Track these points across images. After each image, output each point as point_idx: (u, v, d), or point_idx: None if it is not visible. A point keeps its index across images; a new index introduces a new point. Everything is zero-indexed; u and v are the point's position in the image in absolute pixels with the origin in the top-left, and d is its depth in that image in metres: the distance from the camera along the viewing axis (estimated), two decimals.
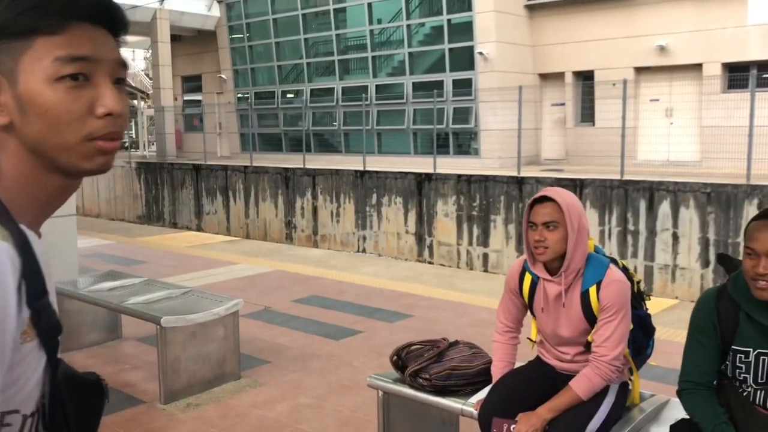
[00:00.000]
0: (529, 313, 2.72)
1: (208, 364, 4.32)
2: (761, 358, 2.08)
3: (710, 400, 2.17)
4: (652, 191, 12.06)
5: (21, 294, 0.80)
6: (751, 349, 2.10)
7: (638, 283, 2.71)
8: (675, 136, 15.67)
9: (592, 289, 2.47)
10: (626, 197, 12.32)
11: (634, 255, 12.30)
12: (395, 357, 3.01)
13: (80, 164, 0.88)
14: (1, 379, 0.77)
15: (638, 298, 2.69)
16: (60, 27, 0.85)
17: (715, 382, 2.23)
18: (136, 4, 20.69)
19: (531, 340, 2.77)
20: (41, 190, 0.89)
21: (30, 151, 0.87)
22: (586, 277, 2.50)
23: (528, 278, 2.62)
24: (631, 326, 2.60)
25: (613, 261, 2.60)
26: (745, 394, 2.14)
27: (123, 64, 0.92)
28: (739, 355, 2.12)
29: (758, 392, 2.12)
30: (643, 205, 12.19)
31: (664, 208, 11.97)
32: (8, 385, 0.80)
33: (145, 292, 4.71)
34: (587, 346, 2.53)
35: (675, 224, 11.86)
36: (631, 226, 12.31)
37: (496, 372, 2.71)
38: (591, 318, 2.49)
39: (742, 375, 2.13)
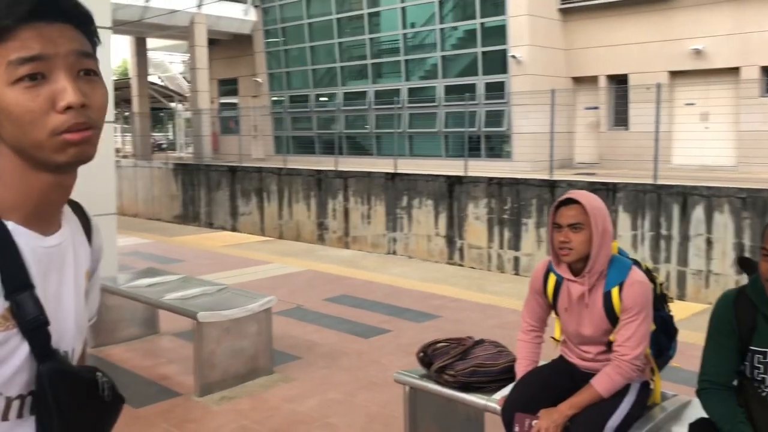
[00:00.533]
0: (553, 312, 2.79)
1: (242, 358, 4.46)
2: None
3: (729, 400, 2.22)
4: (686, 196, 11.94)
5: None
6: None
7: (661, 285, 2.77)
8: (710, 140, 15.47)
9: (615, 290, 2.53)
10: (659, 202, 12.22)
11: (667, 260, 12.19)
12: (422, 354, 3.11)
13: (55, 158, 0.91)
14: None
15: (661, 300, 2.74)
16: (7, 33, 0.88)
17: (735, 383, 2.28)
18: (174, 9, 21.12)
19: (555, 339, 2.84)
20: (31, 187, 0.94)
21: (16, 152, 0.92)
22: (609, 278, 2.56)
23: (552, 279, 2.70)
24: (654, 327, 2.66)
25: (636, 263, 2.66)
26: (764, 394, 2.19)
27: (85, 54, 0.93)
28: (757, 355, 2.17)
29: None
30: (676, 210, 12.08)
31: (698, 213, 11.85)
32: None
33: (182, 289, 4.87)
34: (609, 346, 2.59)
35: (709, 229, 11.73)
36: (664, 231, 12.20)
37: (520, 369, 2.79)
38: (613, 318, 2.56)
39: (761, 375, 2.18)
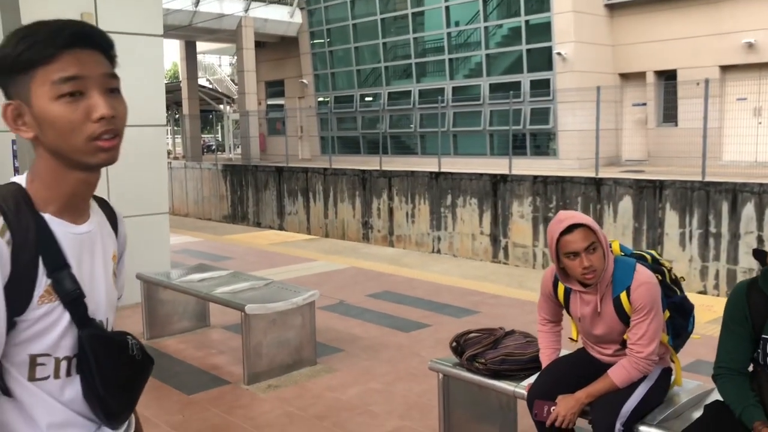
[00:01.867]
0: (566, 313, 2.90)
1: (287, 349, 4.69)
2: None
3: (742, 385, 2.31)
4: (736, 193, 11.76)
5: (38, 265, 1.10)
6: None
7: (670, 270, 2.83)
8: (763, 136, 15.12)
9: (623, 294, 2.61)
10: (708, 199, 12.06)
11: (716, 258, 12.02)
12: (454, 343, 3.26)
13: (87, 160, 1.13)
14: (1, 336, 1.06)
15: (672, 286, 2.80)
16: (51, 57, 1.10)
17: (750, 369, 2.37)
18: (222, 13, 21.65)
19: (572, 339, 2.94)
20: (65, 184, 1.16)
21: (53, 154, 1.14)
22: (615, 283, 2.64)
23: (561, 287, 2.79)
24: (668, 314, 2.74)
25: (640, 258, 2.74)
26: None
27: (112, 75, 1.16)
28: None
29: None
30: (725, 207, 11.90)
31: (748, 210, 11.65)
32: (33, 335, 1.11)
33: (231, 283, 5.12)
34: (625, 343, 2.69)
35: (760, 227, 11.53)
36: (713, 229, 12.04)
37: (544, 358, 2.92)
38: (625, 319, 2.64)
39: None
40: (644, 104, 17.40)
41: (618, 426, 2.49)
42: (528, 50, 17.61)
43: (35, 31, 1.11)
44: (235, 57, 26.46)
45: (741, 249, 11.76)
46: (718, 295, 11.58)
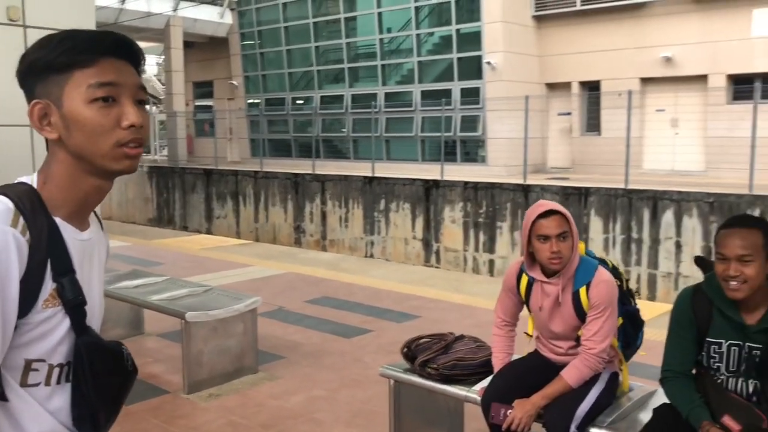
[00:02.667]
0: (526, 309, 2.98)
1: (228, 357, 4.59)
2: (732, 348, 2.34)
3: (688, 387, 2.42)
4: (656, 200, 12.29)
5: (46, 269, 1.10)
6: (723, 341, 2.35)
7: (627, 281, 2.97)
8: (680, 146, 15.89)
9: (582, 290, 2.73)
10: (630, 206, 12.55)
11: (638, 263, 12.52)
12: (405, 349, 3.28)
13: (111, 166, 1.15)
14: (8, 333, 1.05)
15: (627, 295, 2.94)
16: (91, 61, 1.13)
17: (693, 371, 2.48)
18: (151, 12, 21.09)
19: (527, 334, 3.03)
20: (80, 190, 1.16)
21: (74, 157, 1.14)
22: (576, 278, 2.75)
23: (525, 279, 2.88)
24: (621, 321, 2.86)
25: (602, 262, 2.86)
26: (719, 381, 2.39)
27: (142, 88, 1.19)
28: (713, 346, 2.38)
29: (730, 379, 2.37)
30: (647, 214, 12.41)
31: (668, 217, 12.19)
32: (33, 339, 1.10)
33: (168, 290, 4.98)
34: (579, 340, 2.79)
35: (678, 233, 12.08)
36: (635, 235, 12.53)
37: (497, 362, 2.97)
38: (582, 315, 2.75)
39: (716, 364, 2.39)
40: (569, 113, 17.97)
41: (572, 428, 2.56)
42: (459, 59, 17.91)
43: (75, 36, 1.14)
44: (163, 56, 25.81)
45: (661, 254, 12.30)
46: (639, 298, 12.07)
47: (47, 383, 1.13)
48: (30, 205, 1.10)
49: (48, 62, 1.12)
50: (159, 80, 35.70)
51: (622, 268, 2.97)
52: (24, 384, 1.10)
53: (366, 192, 15.96)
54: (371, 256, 15.73)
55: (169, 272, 7.07)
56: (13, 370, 1.09)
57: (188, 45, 23.82)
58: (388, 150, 19.39)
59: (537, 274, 2.81)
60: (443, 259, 14.74)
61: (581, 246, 2.82)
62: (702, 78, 15.71)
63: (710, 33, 15.51)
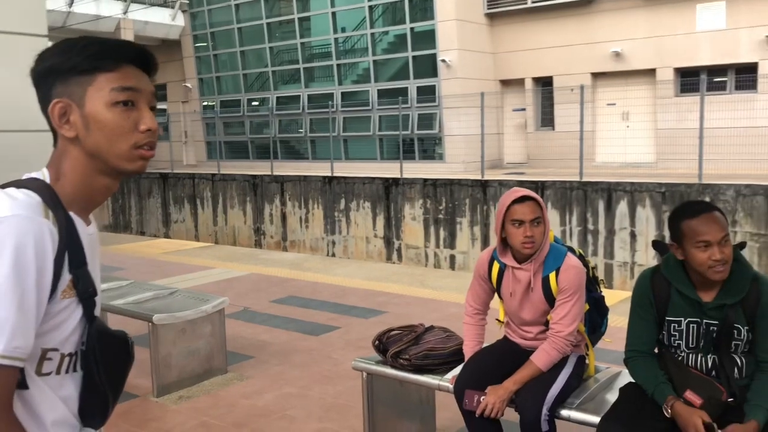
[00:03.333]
0: (497, 296, 3.06)
1: (197, 359, 4.58)
2: (691, 325, 2.45)
3: (651, 365, 2.53)
4: (610, 192, 12.59)
5: (64, 261, 1.15)
6: (683, 319, 2.46)
7: (593, 269, 3.08)
8: (631, 138, 16.26)
9: (552, 275, 2.83)
10: (586, 198, 12.83)
11: (594, 253, 12.80)
12: (377, 342, 3.33)
13: (126, 166, 1.22)
14: (36, 319, 1.10)
15: (593, 282, 3.05)
16: (115, 66, 1.20)
17: (655, 350, 2.59)
18: (100, 15, 20.70)
19: (499, 321, 3.11)
20: (90, 187, 1.22)
21: (89, 156, 1.20)
22: (546, 264, 2.85)
23: (496, 266, 2.97)
24: (587, 307, 2.97)
25: (570, 249, 2.96)
26: (680, 358, 2.51)
27: (155, 95, 1.27)
28: (672, 324, 2.49)
29: (690, 355, 2.49)
30: (601, 206, 12.71)
31: (622, 207, 12.51)
32: (50, 329, 1.15)
33: (133, 294, 4.94)
34: (547, 325, 2.88)
35: (632, 223, 12.40)
36: (590, 226, 12.82)
37: (468, 350, 3.05)
38: (551, 300, 2.85)
39: (677, 342, 2.50)
40: (524, 109, 18.25)
41: (544, 411, 2.65)
42: (414, 57, 18.02)
43: (102, 42, 1.22)
44: None
45: (616, 244, 12.61)
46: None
47: (58, 372, 1.17)
48: (51, 199, 1.16)
49: (74, 64, 1.18)
50: None
51: (580, 251, 3.08)
52: (39, 373, 1.15)
53: (326, 192, 15.97)
54: (333, 255, 15.74)
55: (131, 277, 6.98)
56: (31, 359, 1.13)
57: None
58: (346, 149, 19.41)
59: (509, 260, 2.89)
60: (405, 257, 14.84)
61: (551, 234, 2.91)
62: (650, 72, 16.13)
63: (657, 28, 15.94)
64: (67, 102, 1.19)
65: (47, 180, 1.20)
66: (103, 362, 1.21)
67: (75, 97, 1.19)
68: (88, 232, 1.23)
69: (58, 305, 1.14)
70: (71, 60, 1.18)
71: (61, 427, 1.18)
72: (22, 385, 1.12)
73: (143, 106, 1.23)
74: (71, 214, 1.19)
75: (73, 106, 1.19)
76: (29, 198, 1.13)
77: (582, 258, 2.97)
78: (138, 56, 1.24)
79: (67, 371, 1.19)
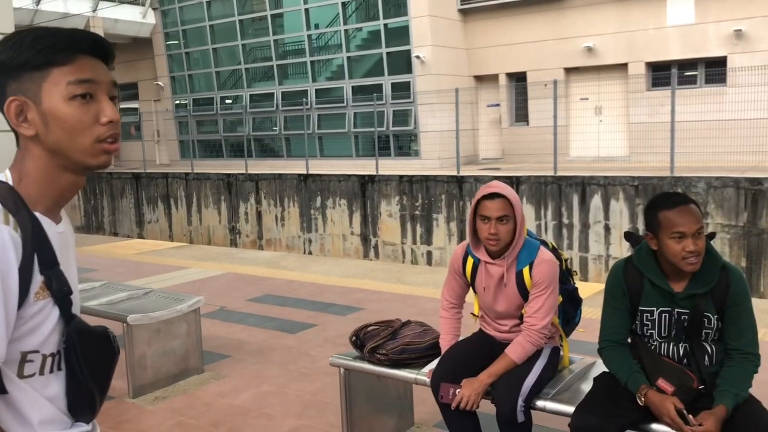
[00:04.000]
0: (471, 291, 3.08)
1: (173, 359, 4.54)
2: (663, 315, 2.49)
3: (625, 355, 2.56)
4: (584, 186, 12.71)
5: (33, 263, 1.13)
6: (655, 308, 2.50)
7: (566, 261, 3.10)
8: (604, 132, 16.43)
9: (526, 269, 2.85)
10: (560, 192, 12.94)
11: (570, 247, 12.91)
12: (354, 337, 3.33)
13: (89, 161, 1.18)
14: (5, 324, 1.08)
15: (567, 274, 3.08)
16: (69, 59, 1.16)
17: (628, 340, 2.62)
18: (68, 13, 20.40)
19: (474, 315, 3.13)
20: (55, 185, 1.19)
21: (51, 154, 1.16)
22: (520, 258, 2.87)
23: (470, 261, 2.98)
24: (561, 299, 2.99)
25: (543, 243, 2.98)
26: (652, 347, 2.54)
27: (115, 84, 1.23)
28: (645, 314, 2.53)
29: (662, 344, 2.53)
30: (576, 200, 12.82)
31: (596, 201, 12.63)
32: (27, 332, 1.13)
33: (106, 294, 4.88)
34: (521, 318, 2.90)
35: (606, 216, 12.53)
36: (565, 220, 12.93)
37: (444, 344, 3.06)
38: (525, 294, 2.87)
39: (649, 331, 2.54)
40: (498, 105, 18.34)
41: (520, 402, 2.67)
42: (388, 53, 18.02)
43: (54, 34, 1.16)
44: None
45: (591, 237, 12.73)
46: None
47: (41, 373, 1.16)
48: (13, 203, 1.12)
49: (25, 60, 1.14)
50: None
51: (552, 244, 3.10)
52: (21, 375, 1.14)
53: (301, 190, 15.91)
54: (309, 253, 15.70)
55: (104, 278, 6.90)
56: (10, 363, 1.12)
57: None
58: (321, 147, 19.35)
59: (482, 255, 2.90)
60: (382, 253, 14.85)
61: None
62: (622, 66, 16.30)
63: (628, 23, 16.12)
64: (22, 99, 1.15)
65: (10, 182, 1.17)
66: (85, 359, 1.19)
67: (30, 93, 1.14)
68: (57, 230, 1.21)
69: (31, 308, 1.12)
70: (22, 55, 1.14)
71: (49, 426, 1.17)
72: (2, 389, 1.11)
73: (102, 97, 1.19)
74: (37, 214, 1.16)
75: (29, 103, 1.14)
76: None
77: (555, 251, 2.99)
78: (93, 46, 1.19)
79: (51, 371, 1.18)
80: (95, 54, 1.19)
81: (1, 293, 1.06)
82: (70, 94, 1.15)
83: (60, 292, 1.16)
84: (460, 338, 3.13)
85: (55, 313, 1.16)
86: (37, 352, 1.14)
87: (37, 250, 1.13)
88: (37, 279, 1.13)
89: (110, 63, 1.24)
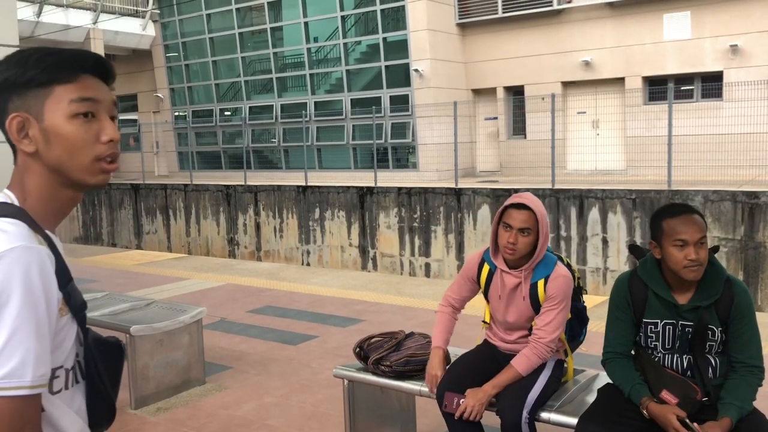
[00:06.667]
0: (483, 299, 3.10)
1: (175, 370, 4.55)
2: (667, 327, 2.51)
3: (628, 367, 2.59)
4: (582, 199, 12.76)
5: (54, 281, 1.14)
6: (659, 320, 2.53)
7: (578, 279, 3.13)
8: (601, 146, 16.50)
9: (540, 282, 2.87)
10: (558, 205, 12.98)
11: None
12: (358, 349, 3.34)
13: (88, 180, 1.19)
14: (50, 343, 1.10)
15: (577, 292, 3.10)
16: (73, 77, 1.18)
17: (632, 352, 2.65)
18: (69, 25, 20.48)
19: (485, 322, 3.13)
20: (56, 202, 1.20)
21: (51, 171, 1.18)
22: (536, 271, 2.89)
23: (486, 268, 3.00)
24: (569, 316, 3.01)
25: (560, 258, 3.00)
26: (656, 359, 2.57)
27: (115, 104, 1.25)
28: (649, 326, 2.55)
29: (666, 356, 2.55)
30: (573, 212, 12.86)
31: (594, 214, 12.68)
32: (54, 348, 1.14)
33: (109, 305, 4.89)
34: (530, 330, 2.92)
35: (604, 229, 12.57)
36: (563, 233, 12.96)
37: (437, 336, 3.07)
38: (537, 306, 2.89)
39: (653, 343, 2.56)
40: (495, 118, 18.43)
41: (524, 414, 2.68)
42: (386, 67, 18.11)
43: (58, 53, 1.18)
44: None
45: (589, 250, 12.77)
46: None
47: (66, 387, 1.18)
48: (31, 223, 1.13)
49: (30, 77, 1.15)
50: None
51: (568, 261, 3.12)
52: (51, 392, 1.15)
53: (300, 201, 15.94)
54: (308, 264, 15.70)
55: (104, 289, 6.90)
56: None
57: (110, 58, 23.18)
58: (319, 159, 19.40)
59: (500, 263, 2.92)
60: (380, 265, 14.86)
61: None
62: (619, 80, 16.40)
63: (625, 37, 16.24)
64: (25, 116, 1.16)
65: (15, 202, 1.17)
66: (104, 368, 1.23)
67: (33, 110, 1.16)
68: (61, 245, 1.22)
69: (58, 324, 1.14)
70: (27, 73, 1.15)
71: None
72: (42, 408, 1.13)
73: (104, 116, 1.20)
74: (48, 231, 1.18)
75: (31, 119, 1.16)
76: (18, 227, 1.10)
77: (569, 267, 3.02)
78: (95, 65, 1.21)
79: (72, 385, 1.20)
80: (98, 74, 1.21)
81: (47, 314, 1.08)
82: (73, 112, 1.16)
83: (78, 307, 1.18)
84: (464, 351, 3.15)
85: (74, 327, 1.19)
86: (61, 367, 1.17)
87: (56, 268, 1.14)
88: (59, 296, 1.14)
89: (111, 83, 1.26)
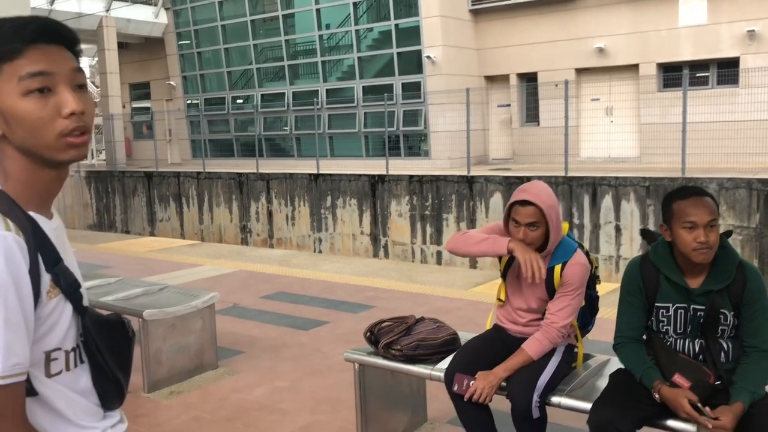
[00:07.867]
0: (500, 279, 3.10)
1: (188, 354, 4.58)
2: (679, 311, 2.50)
3: (640, 351, 2.58)
4: (595, 186, 12.69)
5: (39, 263, 1.11)
6: (671, 305, 2.51)
7: (596, 268, 3.11)
8: (615, 133, 16.38)
9: (557, 267, 2.86)
10: (571, 193, 12.92)
11: (580, 247, 12.88)
12: (368, 333, 3.35)
13: (59, 156, 1.12)
14: (28, 330, 1.07)
15: (593, 281, 3.08)
16: (17, 53, 1.08)
17: (644, 336, 2.64)
18: (82, 13, 20.54)
19: (499, 300, 3.12)
20: (39, 182, 1.15)
21: (23, 153, 1.12)
22: (554, 256, 2.88)
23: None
24: (583, 303, 3.00)
25: (580, 246, 2.99)
26: (668, 343, 2.56)
27: (79, 71, 1.15)
28: (661, 310, 2.54)
29: (678, 340, 2.54)
30: (587, 200, 12.80)
31: (607, 202, 12.61)
32: (46, 331, 1.13)
33: (122, 290, 4.93)
34: (543, 314, 2.92)
35: (617, 217, 12.51)
36: (576, 220, 12.90)
37: (487, 234, 2.93)
38: (551, 291, 2.88)
39: (665, 327, 2.55)
40: (508, 105, 18.32)
41: (535, 398, 2.68)
42: (398, 53, 18.04)
43: None
44: (96, 58, 25.13)
45: (602, 238, 12.71)
46: None
47: (68, 368, 1.17)
48: (7, 206, 1.10)
49: None
50: (92, 82, 34.75)
51: (587, 249, 3.11)
52: (49, 375, 1.14)
53: (312, 189, 15.96)
54: (320, 252, 15.75)
55: (119, 275, 6.96)
56: (36, 365, 1.12)
57: (123, 46, 23.26)
58: (331, 146, 19.40)
59: None
60: (391, 253, 14.87)
61: (565, 226, 2.93)
62: (634, 67, 16.25)
63: (640, 24, 16.07)
64: None
65: None
66: (106, 348, 1.21)
67: None
68: (52, 226, 1.19)
69: (46, 307, 1.12)
70: None
71: (87, 418, 1.19)
72: (32, 392, 1.12)
73: (62, 88, 1.10)
74: (31, 213, 1.13)
75: None
76: None
77: (588, 256, 3.01)
78: (44, 33, 1.10)
79: (75, 365, 1.19)
80: (50, 41, 1.11)
81: (17, 300, 1.04)
82: (24, 89, 1.08)
83: (69, 287, 1.16)
84: (472, 335, 3.15)
85: (68, 308, 1.16)
86: (59, 349, 1.15)
87: (40, 250, 1.11)
88: (46, 278, 1.12)
89: (75, 47, 1.16)
